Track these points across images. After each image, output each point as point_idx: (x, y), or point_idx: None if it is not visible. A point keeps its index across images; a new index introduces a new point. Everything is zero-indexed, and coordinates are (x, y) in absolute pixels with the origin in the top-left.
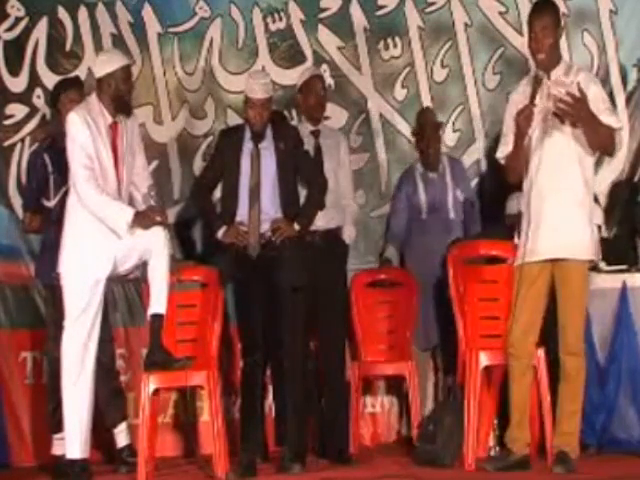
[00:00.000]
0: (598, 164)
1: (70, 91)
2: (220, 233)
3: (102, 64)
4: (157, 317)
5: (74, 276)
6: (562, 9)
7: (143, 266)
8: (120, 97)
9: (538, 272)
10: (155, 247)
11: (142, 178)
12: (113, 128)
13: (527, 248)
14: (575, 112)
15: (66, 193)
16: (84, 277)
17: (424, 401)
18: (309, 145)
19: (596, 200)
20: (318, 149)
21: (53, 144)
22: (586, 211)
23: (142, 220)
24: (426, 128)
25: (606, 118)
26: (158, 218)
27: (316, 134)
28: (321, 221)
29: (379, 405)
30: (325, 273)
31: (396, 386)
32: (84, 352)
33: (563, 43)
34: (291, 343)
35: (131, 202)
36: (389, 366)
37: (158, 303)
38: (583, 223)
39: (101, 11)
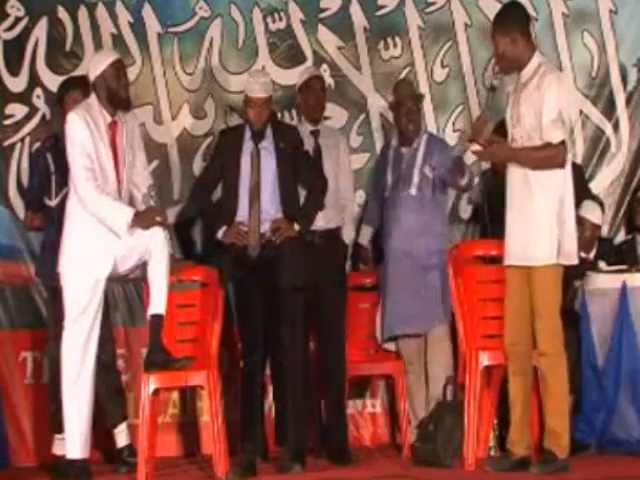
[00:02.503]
0: (598, 164)
1: (73, 91)
2: (220, 233)
3: (92, 68)
4: (157, 317)
5: (74, 276)
6: (562, 9)
7: (143, 266)
8: (115, 94)
9: (512, 274)
10: (155, 247)
11: (142, 178)
12: (112, 127)
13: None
14: (490, 158)
15: (67, 193)
16: (84, 277)
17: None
18: (309, 145)
19: (598, 200)
20: (318, 149)
21: (56, 144)
22: (543, 216)
23: (142, 220)
24: (405, 101)
25: (547, 134)
26: (158, 218)
27: (316, 134)
28: (321, 221)
29: (379, 405)
30: (325, 273)
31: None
32: (84, 352)
33: (563, 43)
34: (291, 343)
35: (131, 202)
36: (377, 366)
37: (158, 303)
38: (540, 229)
39: (101, 11)
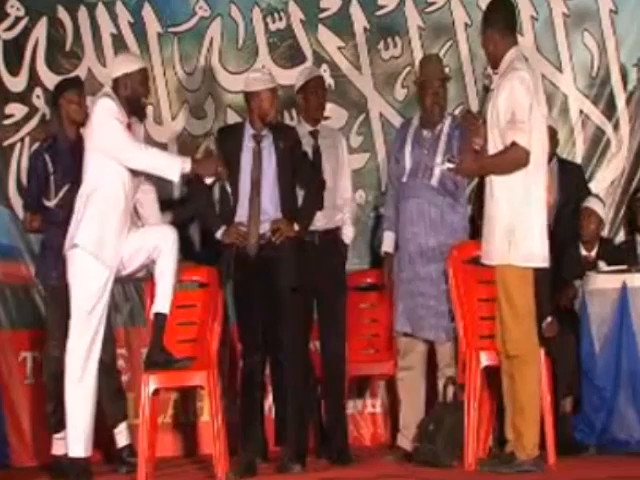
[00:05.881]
0: (598, 164)
1: (69, 92)
2: (219, 233)
3: (119, 64)
4: (160, 316)
5: (90, 250)
6: (562, 9)
7: (151, 263)
8: (136, 99)
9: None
10: (165, 247)
11: (149, 200)
12: (128, 128)
13: None
14: (464, 173)
15: (68, 192)
16: (95, 275)
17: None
18: (308, 145)
19: (600, 200)
20: (317, 149)
21: (54, 144)
22: (497, 216)
23: (203, 167)
24: (431, 82)
25: (504, 137)
26: (220, 168)
27: (315, 134)
28: (321, 221)
29: (379, 405)
30: (325, 273)
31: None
32: (89, 352)
33: (563, 43)
34: (290, 343)
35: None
36: (377, 366)
37: (162, 302)
38: (493, 228)
39: (101, 11)
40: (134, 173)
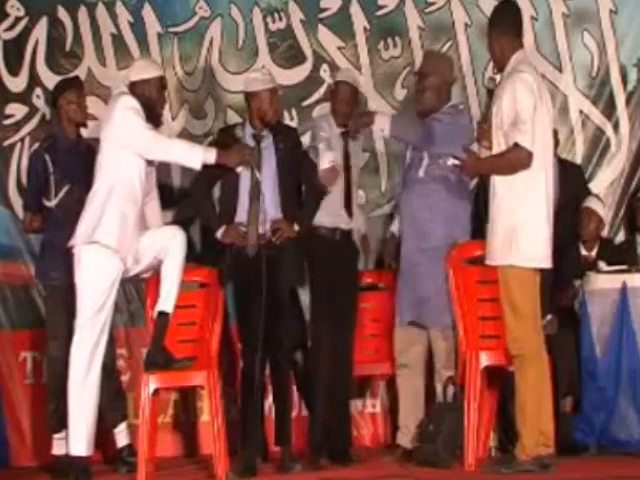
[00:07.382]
0: (598, 164)
1: (68, 92)
2: (219, 233)
3: (139, 69)
4: (163, 315)
5: (109, 244)
6: (562, 9)
7: (158, 263)
8: (152, 105)
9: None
10: (173, 247)
11: (151, 199)
12: None
13: None
14: (468, 172)
15: (68, 192)
16: (109, 272)
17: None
18: (338, 147)
19: (600, 200)
20: (347, 152)
21: (54, 144)
22: (498, 217)
23: (230, 157)
24: (428, 77)
25: (508, 138)
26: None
27: (345, 136)
28: (346, 223)
29: (379, 405)
30: (341, 272)
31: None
32: (94, 351)
33: (563, 43)
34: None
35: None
36: (377, 366)
37: (166, 302)
38: (494, 229)
39: (101, 11)
40: (147, 173)
